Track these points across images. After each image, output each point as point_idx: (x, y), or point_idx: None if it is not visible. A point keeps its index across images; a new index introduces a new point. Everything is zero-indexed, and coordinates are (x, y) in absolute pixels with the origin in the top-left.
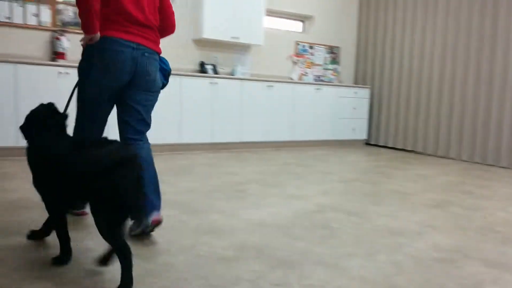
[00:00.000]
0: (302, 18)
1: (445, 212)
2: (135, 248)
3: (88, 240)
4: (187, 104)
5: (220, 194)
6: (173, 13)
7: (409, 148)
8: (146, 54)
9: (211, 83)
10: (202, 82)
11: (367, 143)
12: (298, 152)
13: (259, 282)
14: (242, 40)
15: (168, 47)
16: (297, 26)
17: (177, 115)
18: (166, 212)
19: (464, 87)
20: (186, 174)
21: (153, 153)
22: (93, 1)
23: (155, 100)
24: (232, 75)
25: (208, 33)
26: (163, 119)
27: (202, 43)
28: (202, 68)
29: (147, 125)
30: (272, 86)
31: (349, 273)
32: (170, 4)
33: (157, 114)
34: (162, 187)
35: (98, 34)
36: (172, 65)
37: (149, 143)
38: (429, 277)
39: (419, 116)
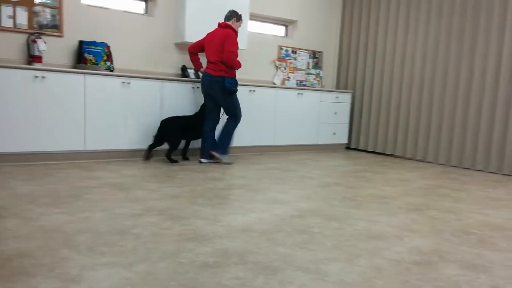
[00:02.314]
0: (285, 23)
1: (423, 215)
2: (113, 256)
3: (65, 249)
4: (169, 109)
5: (203, 200)
6: (228, 52)
7: (388, 152)
8: (207, 77)
9: (192, 87)
10: (183, 87)
11: (348, 147)
12: (280, 157)
13: None
14: None
15: (148, 50)
16: (280, 30)
17: (157, 119)
18: (148, 219)
19: (443, 92)
20: (169, 179)
21: (133, 159)
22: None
23: (224, 101)
24: None
25: (190, 37)
26: (143, 123)
27: (184, 46)
28: (183, 73)
29: (228, 114)
30: (254, 90)
31: (330, 278)
32: (227, 47)
33: (136, 119)
34: (143, 193)
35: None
36: (152, 68)
37: (232, 121)
38: (407, 280)
39: (398, 120)
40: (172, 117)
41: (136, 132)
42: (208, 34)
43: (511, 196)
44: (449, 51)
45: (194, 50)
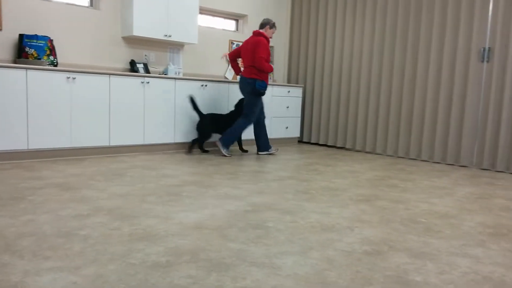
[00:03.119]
0: (236, 17)
1: (373, 206)
2: (58, 260)
3: (6, 255)
4: (117, 104)
5: (155, 198)
6: (257, 57)
7: (339, 145)
8: (242, 79)
9: (142, 82)
10: (132, 82)
11: (300, 141)
12: (232, 152)
13: None
14: (175, 38)
15: (95, 44)
16: (231, 25)
17: (106, 116)
18: (96, 219)
19: (389, 86)
20: (118, 178)
21: (80, 157)
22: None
23: (248, 100)
24: (165, 74)
25: (139, 31)
26: (90, 120)
27: (133, 40)
28: (132, 67)
29: (244, 111)
30: (206, 85)
31: (283, 272)
32: (257, 53)
33: (84, 115)
34: (91, 193)
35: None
36: (99, 63)
37: (243, 119)
38: (358, 270)
39: (348, 114)
40: (208, 113)
41: (83, 128)
42: (244, 42)
43: (455, 185)
44: (394, 46)
45: (233, 57)
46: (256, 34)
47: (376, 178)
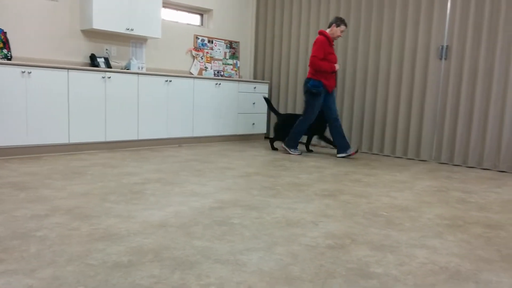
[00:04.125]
0: (200, 11)
1: (337, 200)
2: (13, 263)
3: None
4: (76, 101)
5: (117, 197)
6: (310, 57)
7: (305, 141)
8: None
9: (103, 77)
10: (93, 77)
11: (267, 137)
12: (199, 149)
13: (157, 287)
14: (137, 32)
15: (52, 37)
16: (196, 19)
17: (64, 112)
18: (53, 219)
19: (353, 82)
20: (78, 176)
21: (37, 155)
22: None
23: (305, 99)
24: (127, 69)
25: (99, 24)
26: (48, 116)
27: (93, 34)
28: (93, 62)
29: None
30: (170, 81)
31: (248, 268)
32: (312, 53)
33: (40, 111)
34: (49, 192)
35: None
36: (57, 57)
37: (301, 119)
38: (322, 264)
39: None
40: (285, 114)
41: (40, 125)
42: None
43: (415, 179)
44: (357, 43)
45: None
46: (318, 33)
47: (340, 173)
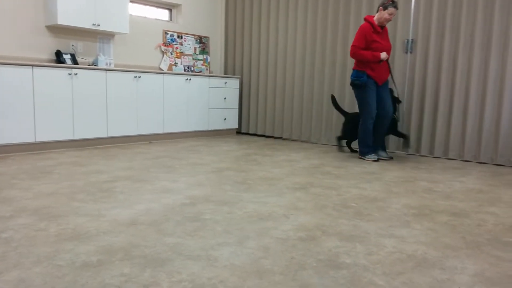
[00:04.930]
0: (169, 6)
1: (308, 193)
2: None
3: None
4: (42, 98)
5: (85, 195)
6: (351, 46)
7: (276, 135)
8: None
9: (69, 74)
10: (59, 74)
11: (239, 132)
12: (170, 145)
13: (127, 286)
14: (104, 28)
15: (15, 33)
16: (164, 14)
17: (30, 110)
18: (18, 220)
19: (322, 77)
20: (44, 175)
21: (2, 155)
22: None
23: (356, 94)
24: (95, 65)
25: (64, 19)
26: (12, 114)
27: (58, 30)
28: (58, 58)
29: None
30: (140, 77)
31: (220, 263)
32: (353, 42)
33: (4, 109)
34: (14, 193)
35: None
36: (21, 54)
37: (361, 119)
38: (293, 256)
39: (284, 104)
40: (352, 113)
41: (4, 124)
42: None
43: (383, 170)
44: (325, 38)
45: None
46: (363, 19)
47: (311, 166)
